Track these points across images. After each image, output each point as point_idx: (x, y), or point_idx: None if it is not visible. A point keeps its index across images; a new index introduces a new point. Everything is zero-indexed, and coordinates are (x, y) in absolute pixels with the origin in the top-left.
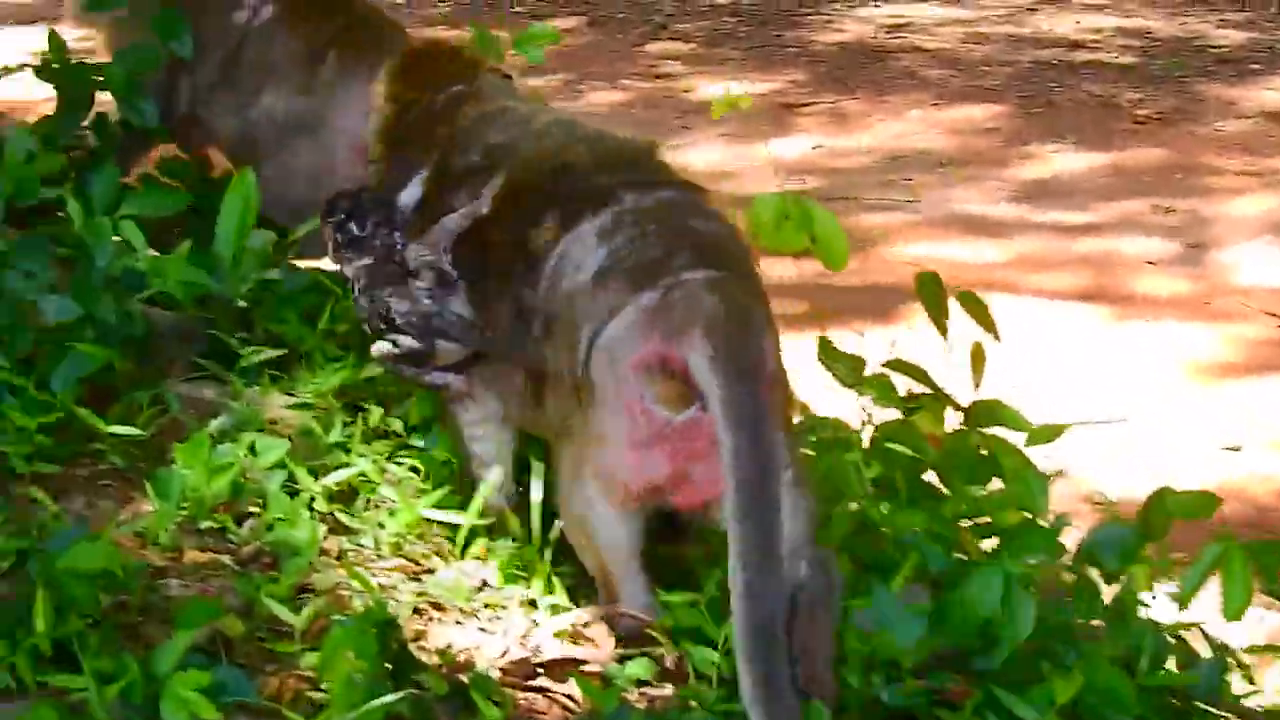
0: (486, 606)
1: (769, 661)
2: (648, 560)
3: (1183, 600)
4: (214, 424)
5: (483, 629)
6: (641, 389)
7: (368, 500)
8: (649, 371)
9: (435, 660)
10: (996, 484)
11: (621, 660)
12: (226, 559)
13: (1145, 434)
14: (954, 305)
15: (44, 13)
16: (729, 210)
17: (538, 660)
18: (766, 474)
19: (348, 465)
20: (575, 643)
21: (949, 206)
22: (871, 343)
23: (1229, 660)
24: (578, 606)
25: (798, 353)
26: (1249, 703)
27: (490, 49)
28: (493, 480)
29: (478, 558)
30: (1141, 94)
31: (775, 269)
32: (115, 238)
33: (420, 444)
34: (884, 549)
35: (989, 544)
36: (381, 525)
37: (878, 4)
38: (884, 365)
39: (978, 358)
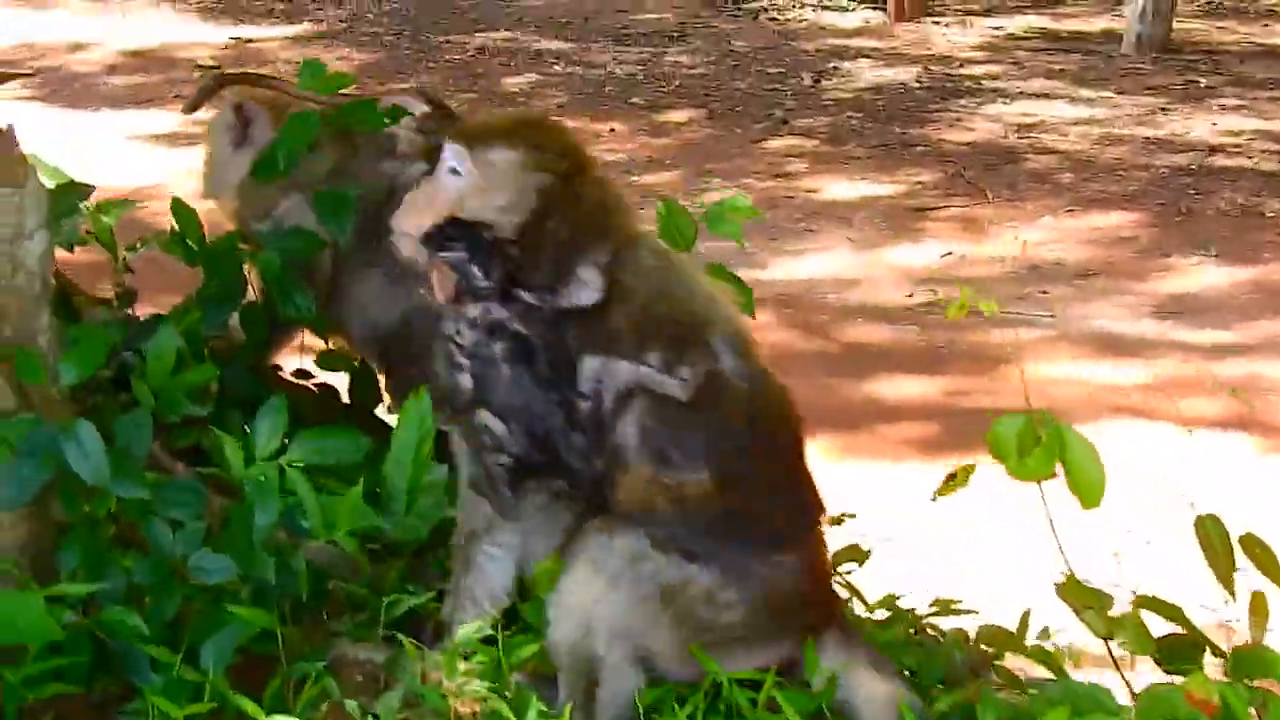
0: None
1: None
2: None
3: None
4: (381, 705)
5: None
6: None
7: None
8: None
9: None
10: None
11: None
12: None
13: None
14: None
15: (155, 94)
16: None
17: None
18: None
19: None
20: None
21: (1087, 322)
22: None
23: None
24: None
25: (930, 479)
26: None
27: (681, 222)
28: (476, 621)
29: None
30: None
31: (903, 387)
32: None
33: None
34: None
35: None
36: None
37: (1008, 101)
38: (1134, 603)
39: (1258, 609)
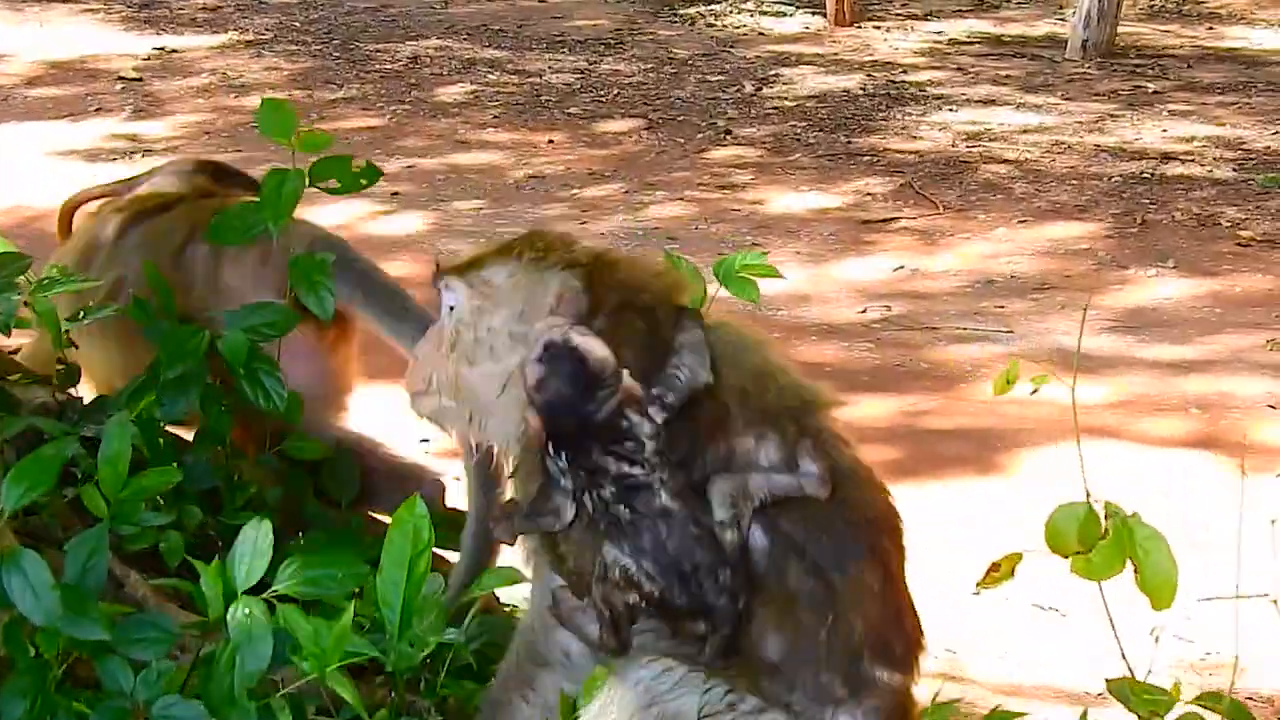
0: None
1: None
2: None
3: None
4: None
5: None
6: None
7: None
8: None
9: None
10: None
11: None
12: None
13: None
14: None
15: (76, 106)
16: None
17: None
18: None
19: None
20: None
21: (1046, 337)
22: (970, 495)
23: None
24: None
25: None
26: None
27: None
28: None
29: None
30: (1242, 213)
31: (862, 408)
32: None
33: None
34: None
35: None
36: None
37: (954, 109)
38: (1194, 700)
39: None
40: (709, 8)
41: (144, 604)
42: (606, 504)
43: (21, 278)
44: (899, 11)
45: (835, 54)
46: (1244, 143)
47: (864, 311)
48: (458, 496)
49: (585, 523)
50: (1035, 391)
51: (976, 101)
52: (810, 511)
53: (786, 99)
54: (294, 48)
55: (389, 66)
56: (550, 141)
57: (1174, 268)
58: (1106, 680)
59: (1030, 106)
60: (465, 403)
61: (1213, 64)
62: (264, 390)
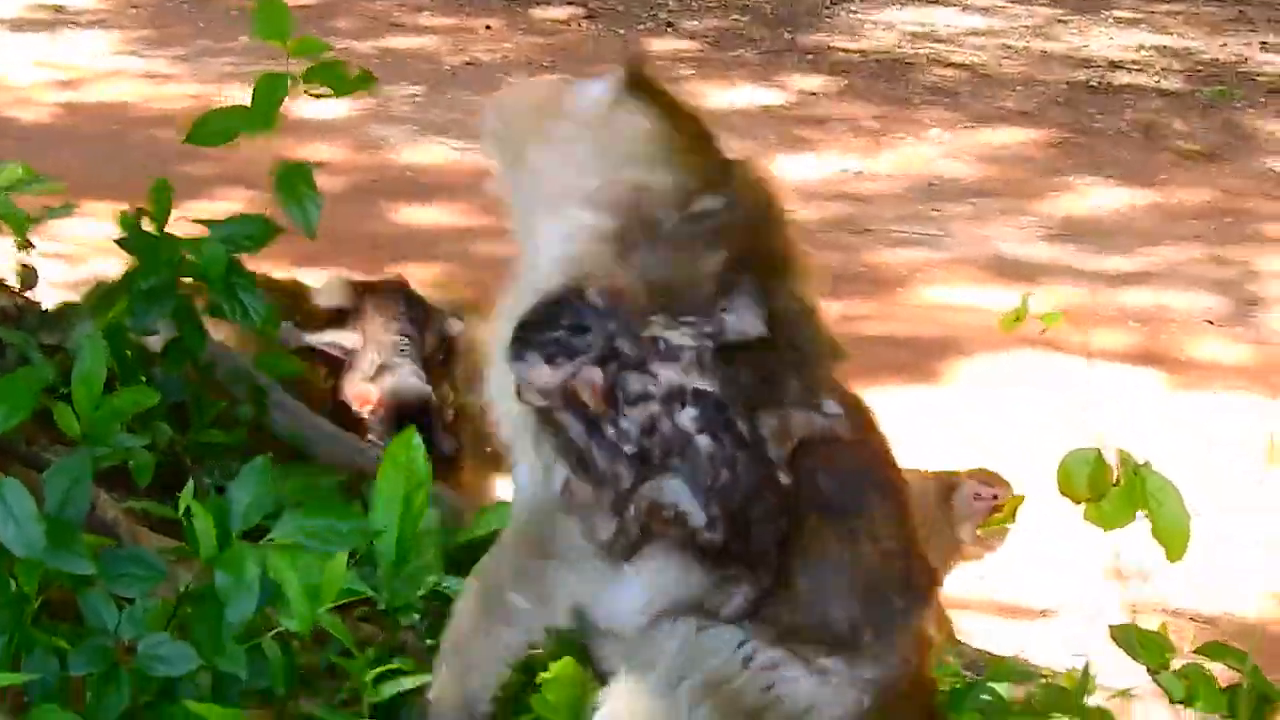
0: None
1: None
2: None
3: None
4: None
5: None
6: None
7: None
8: None
9: None
10: None
11: None
12: None
13: (1232, 538)
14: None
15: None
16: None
17: None
18: None
19: None
20: None
21: (983, 245)
22: (906, 403)
23: None
24: None
25: None
26: None
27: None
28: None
29: None
30: (1187, 125)
31: None
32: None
33: None
34: None
35: None
36: None
37: (899, 6)
38: (1197, 651)
39: None
40: None
41: (115, 528)
42: (680, 434)
43: None
44: None
45: None
46: (1192, 53)
47: (801, 212)
48: None
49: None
50: (1044, 332)
51: (923, 0)
52: (826, 449)
53: None
54: None
55: None
56: (488, 27)
57: (1115, 177)
58: (1109, 626)
59: (977, 9)
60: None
61: None
62: (240, 306)
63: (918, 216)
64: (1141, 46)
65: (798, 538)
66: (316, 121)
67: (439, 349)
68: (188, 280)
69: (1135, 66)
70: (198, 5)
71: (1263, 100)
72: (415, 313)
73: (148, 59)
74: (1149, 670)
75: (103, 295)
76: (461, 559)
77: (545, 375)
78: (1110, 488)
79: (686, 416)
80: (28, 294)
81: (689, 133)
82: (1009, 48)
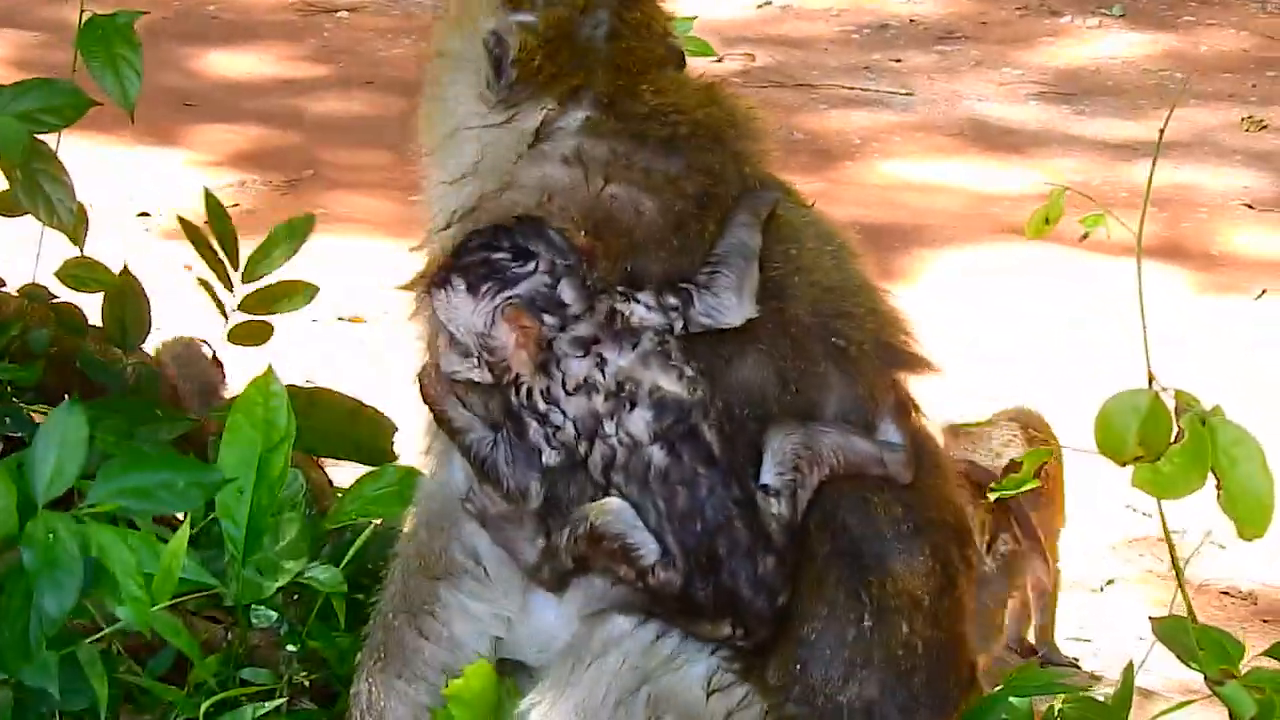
0: None
1: None
2: None
3: None
4: None
5: None
6: None
7: None
8: None
9: None
10: None
11: None
12: None
13: None
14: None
15: None
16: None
17: None
18: None
19: None
20: None
21: (955, 104)
22: None
23: None
24: None
25: None
26: None
27: None
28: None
29: None
30: None
31: None
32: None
33: None
34: None
35: None
36: None
37: None
38: (1269, 653)
39: None
40: None
41: None
42: (625, 441)
43: None
44: None
45: None
46: None
47: (720, 61)
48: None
49: (569, 465)
50: (1085, 237)
51: None
52: (873, 487)
53: None
54: None
55: None
56: None
57: (1121, 16)
58: (1151, 619)
59: None
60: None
61: None
62: (45, 201)
63: (871, 68)
64: None
65: (816, 589)
66: None
67: None
68: None
69: None
70: None
71: None
72: None
73: None
74: (1208, 680)
75: None
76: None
77: (467, 308)
78: (1168, 443)
79: (638, 420)
80: None
81: None
82: None
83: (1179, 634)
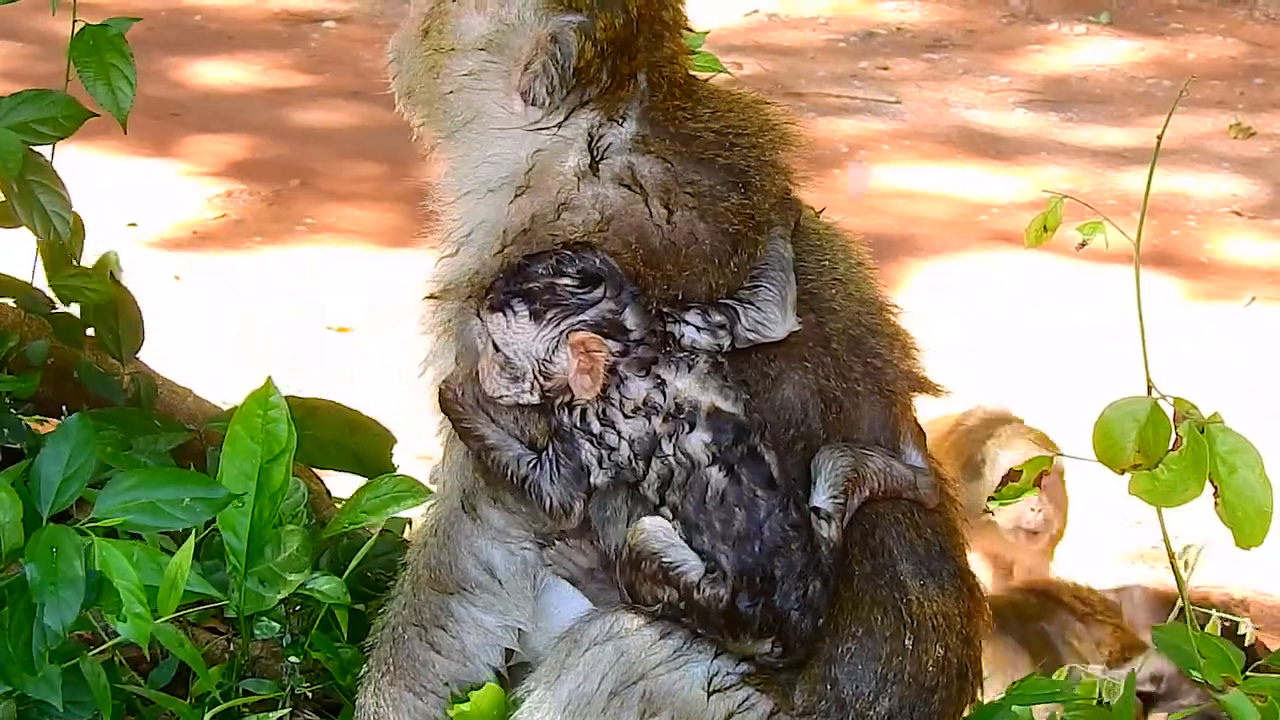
0: None
1: None
2: None
3: None
4: None
5: None
6: None
7: None
8: None
9: None
10: None
11: None
12: None
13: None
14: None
15: None
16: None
17: None
18: None
19: None
20: None
21: (942, 112)
22: None
23: None
24: None
25: None
26: None
27: None
28: None
29: None
30: None
31: None
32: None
33: None
34: None
35: None
36: None
37: None
38: (1270, 661)
39: None
40: None
41: None
42: (683, 462)
43: None
44: None
45: None
46: None
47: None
48: None
49: (618, 488)
50: (1083, 245)
51: None
52: (905, 510)
53: None
54: None
55: None
56: None
57: (1109, 24)
58: (1153, 628)
59: None
60: (430, 110)
61: None
62: (41, 213)
63: (858, 76)
64: None
65: (853, 608)
66: None
67: None
68: None
69: None
70: None
71: None
72: None
73: None
74: (1209, 688)
75: None
76: (333, 555)
77: (528, 333)
78: (1167, 451)
79: (696, 441)
80: None
81: None
82: None
83: (1180, 642)
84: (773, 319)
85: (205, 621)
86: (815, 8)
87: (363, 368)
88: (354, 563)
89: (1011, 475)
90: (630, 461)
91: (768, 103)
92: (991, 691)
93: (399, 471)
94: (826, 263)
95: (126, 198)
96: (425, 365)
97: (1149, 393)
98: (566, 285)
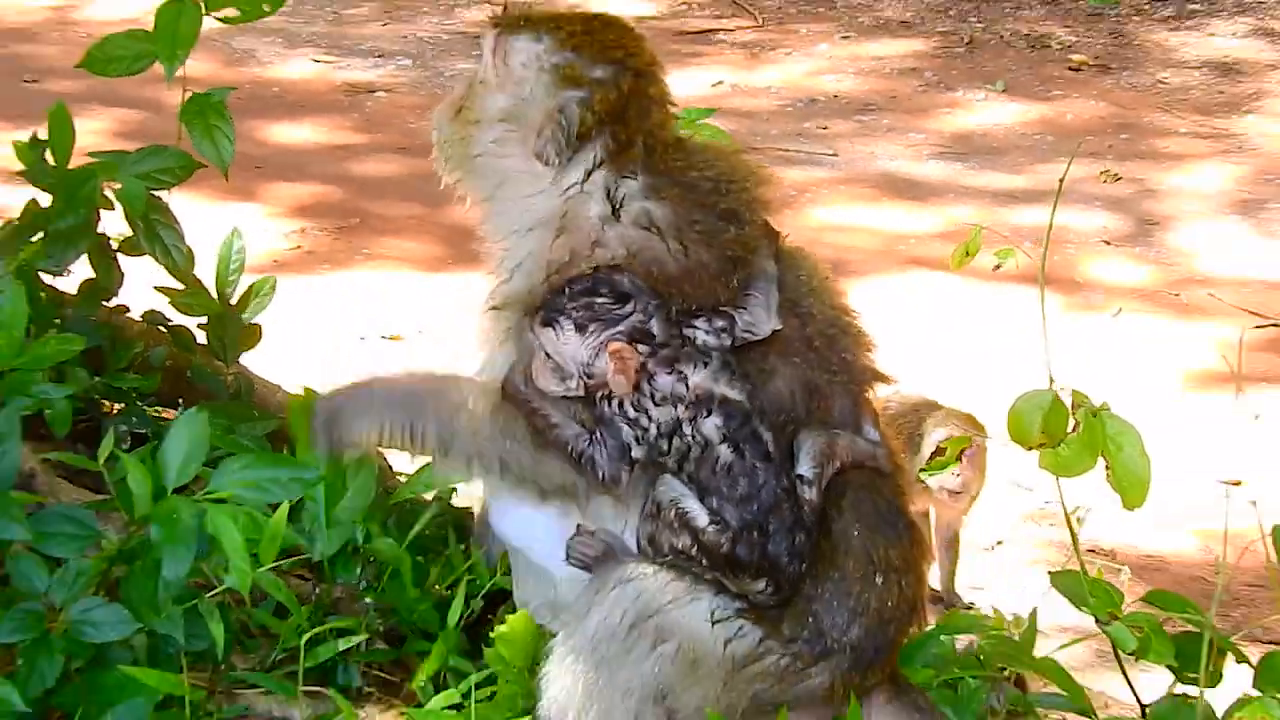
0: None
1: None
2: None
3: None
4: None
5: None
6: None
7: None
8: None
9: None
10: None
11: None
12: None
13: None
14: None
15: None
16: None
17: None
18: None
19: None
20: None
21: (871, 162)
22: None
23: None
24: None
25: None
26: None
27: None
28: None
29: None
30: (1073, 35)
31: None
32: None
33: None
34: None
35: None
36: None
37: None
38: (1146, 599)
39: None
40: None
41: (33, 480)
42: (699, 441)
43: None
44: None
45: None
46: None
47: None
48: None
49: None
50: (998, 268)
51: None
52: (868, 476)
53: None
54: None
55: None
56: None
57: (1003, 91)
58: (1050, 573)
59: None
60: (462, 170)
61: None
62: (161, 245)
63: (803, 134)
64: None
65: (830, 555)
66: None
67: None
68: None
69: None
70: None
71: (1147, 7)
72: None
73: None
74: (1098, 621)
75: (10, 234)
76: (398, 518)
77: (574, 343)
78: (1066, 432)
79: (710, 425)
80: None
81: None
82: None
83: (1073, 584)
84: (760, 320)
85: (295, 571)
86: (768, 80)
87: (413, 367)
88: (419, 525)
89: (939, 450)
90: (657, 440)
91: (744, 152)
92: None
93: None
94: (803, 276)
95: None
96: (487, 367)
97: (1050, 385)
98: (603, 303)
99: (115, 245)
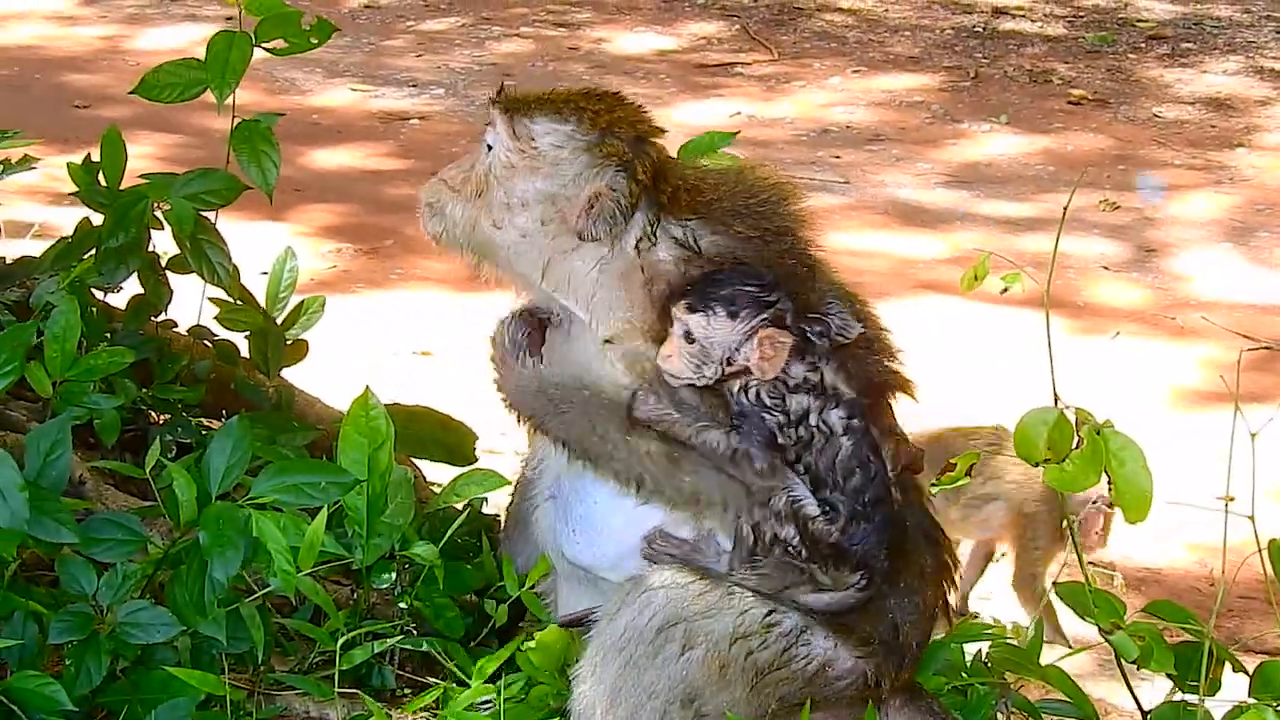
0: None
1: None
2: None
3: None
4: None
5: None
6: None
7: None
8: None
9: None
10: None
11: None
12: None
13: None
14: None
15: None
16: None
17: None
18: None
19: None
20: None
21: (882, 190)
22: None
23: None
24: None
25: None
26: None
27: None
28: None
29: None
30: (1073, 70)
31: None
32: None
33: None
34: None
35: None
36: None
37: None
38: (1147, 610)
39: None
40: None
41: (83, 487)
42: (824, 430)
43: None
44: None
45: None
46: None
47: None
48: None
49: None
50: (1005, 291)
51: None
52: (909, 480)
53: None
54: None
55: None
56: None
57: (1007, 124)
58: (1055, 584)
59: None
60: (479, 248)
61: None
62: (208, 263)
63: (816, 162)
64: None
65: (904, 555)
66: None
67: None
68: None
69: (1019, 12)
70: None
71: (1143, 45)
72: None
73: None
74: (1101, 631)
75: (64, 251)
76: (432, 526)
77: (725, 327)
78: (1071, 449)
79: (835, 415)
80: None
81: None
82: None
83: (1078, 595)
84: (851, 324)
85: (333, 576)
86: (783, 111)
87: (444, 381)
88: (450, 531)
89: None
90: (789, 426)
91: (770, 171)
92: None
93: (479, 463)
94: (847, 286)
95: (265, 253)
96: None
97: (1055, 403)
98: (752, 290)
99: (164, 263)
